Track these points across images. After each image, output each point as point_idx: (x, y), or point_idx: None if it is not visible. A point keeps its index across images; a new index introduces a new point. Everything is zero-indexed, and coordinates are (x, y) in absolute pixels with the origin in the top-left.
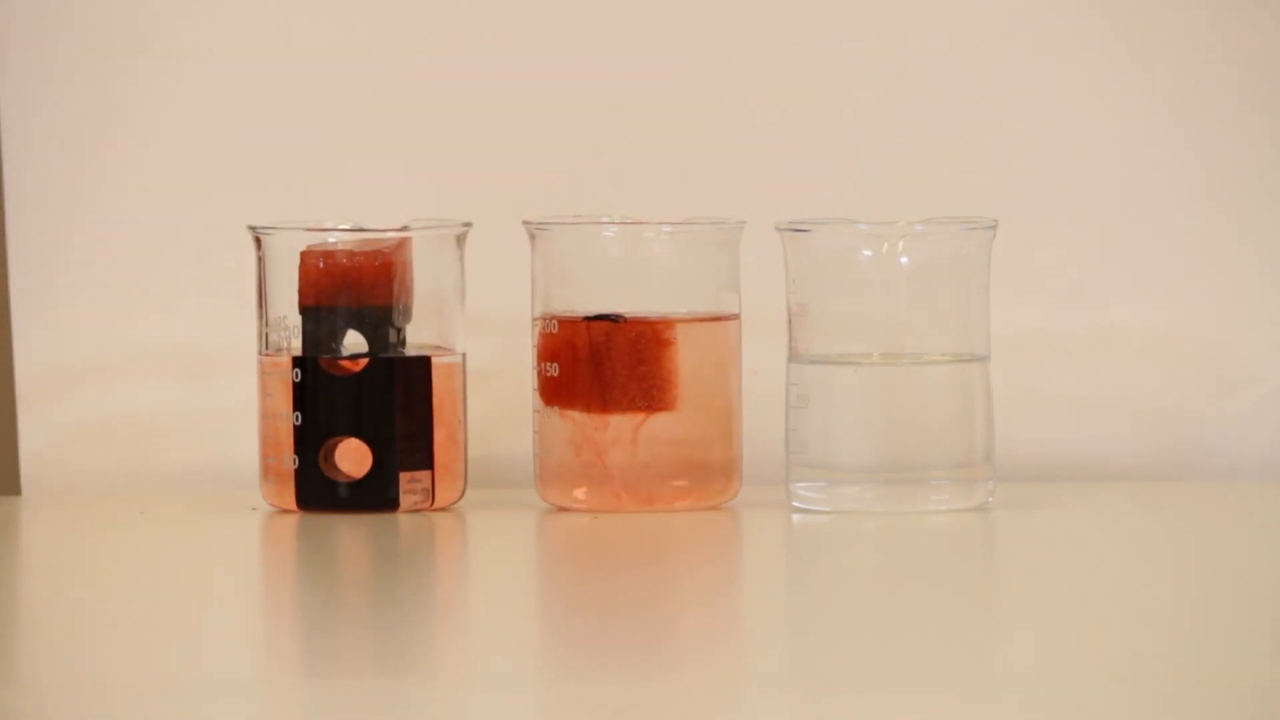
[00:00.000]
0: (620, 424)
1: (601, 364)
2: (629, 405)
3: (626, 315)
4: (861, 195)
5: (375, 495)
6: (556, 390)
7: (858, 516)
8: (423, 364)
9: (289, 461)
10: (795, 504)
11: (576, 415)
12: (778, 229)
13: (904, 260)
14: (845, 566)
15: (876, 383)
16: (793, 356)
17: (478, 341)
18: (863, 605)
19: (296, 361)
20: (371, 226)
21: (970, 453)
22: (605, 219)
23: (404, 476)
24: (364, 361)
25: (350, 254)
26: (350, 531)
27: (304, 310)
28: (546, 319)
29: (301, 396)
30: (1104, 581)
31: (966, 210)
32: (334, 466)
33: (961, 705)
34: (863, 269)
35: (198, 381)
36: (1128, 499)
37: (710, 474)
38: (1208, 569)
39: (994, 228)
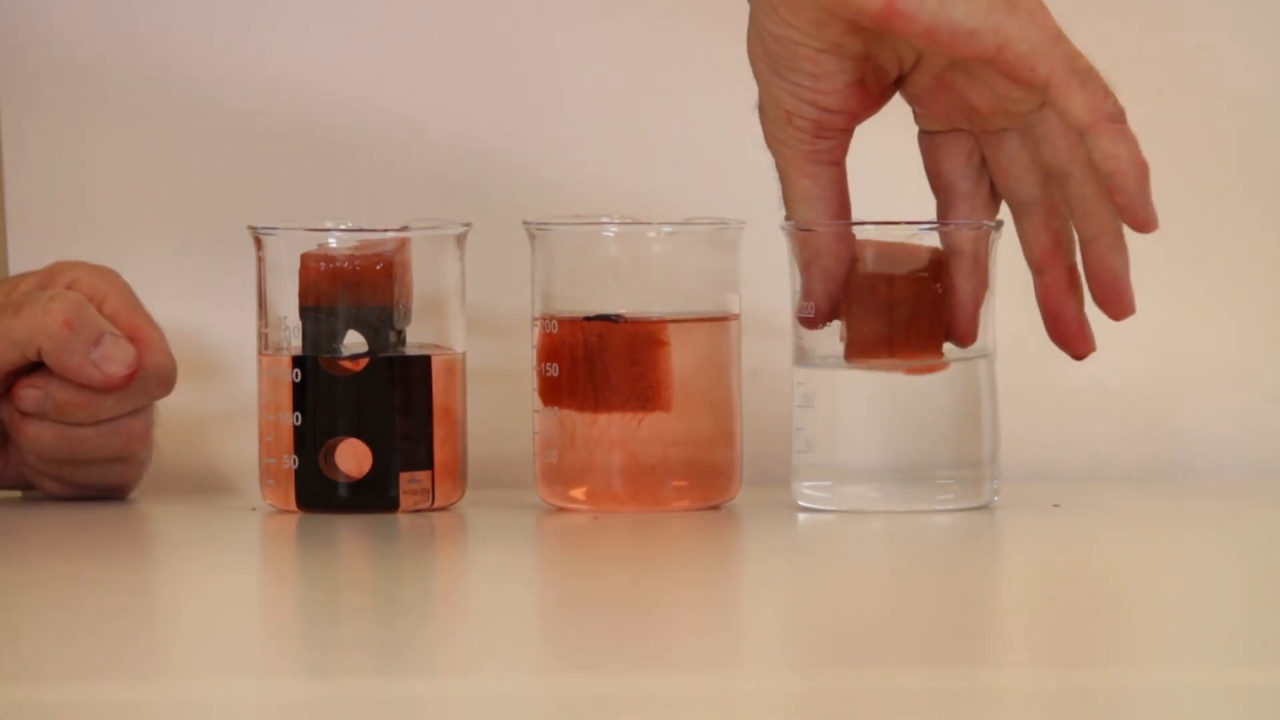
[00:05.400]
0: (618, 424)
1: (595, 364)
2: (622, 406)
3: (626, 315)
4: (863, 195)
5: (375, 495)
6: (556, 390)
7: (863, 516)
8: (423, 364)
9: (289, 461)
10: (800, 503)
11: (575, 415)
12: (781, 229)
13: None
14: (851, 565)
15: (882, 382)
16: (798, 357)
17: (478, 341)
18: (868, 604)
19: (296, 361)
20: (371, 227)
21: (976, 452)
22: (605, 219)
23: (404, 476)
24: (364, 361)
25: (350, 255)
26: (350, 531)
27: (304, 311)
28: (546, 319)
29: (301, 396)
30: (1107, 581)
31: None
32: (334, 466)
33: (966, 705)
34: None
35: (198, 381)
36: (1126, 499)
37: (710, 474)
38: (1207, 569)
39: (998, 227)
